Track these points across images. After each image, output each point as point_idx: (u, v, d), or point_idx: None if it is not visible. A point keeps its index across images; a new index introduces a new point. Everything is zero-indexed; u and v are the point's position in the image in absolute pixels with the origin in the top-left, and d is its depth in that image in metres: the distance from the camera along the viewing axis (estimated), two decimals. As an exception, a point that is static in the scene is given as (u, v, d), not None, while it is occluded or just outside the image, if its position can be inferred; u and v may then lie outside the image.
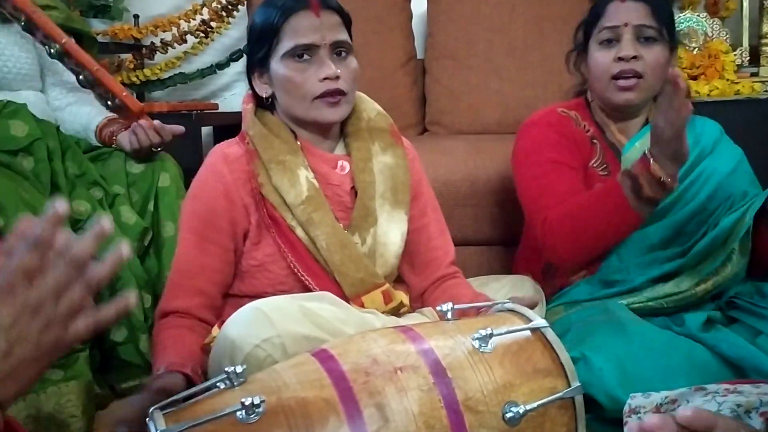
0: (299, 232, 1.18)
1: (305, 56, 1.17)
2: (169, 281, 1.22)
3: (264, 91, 1.22)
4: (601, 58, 1.38)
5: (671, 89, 1.12)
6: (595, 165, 1.40)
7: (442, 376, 0.83)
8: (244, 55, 2.63)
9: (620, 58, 1.34)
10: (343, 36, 1.20)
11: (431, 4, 2.49)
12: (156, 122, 1.57)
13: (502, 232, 1.86)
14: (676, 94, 1.12)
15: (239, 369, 0.82)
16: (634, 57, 1.34)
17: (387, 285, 1.21)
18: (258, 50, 1.20)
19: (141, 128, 1.55)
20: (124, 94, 1.58)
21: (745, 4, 2.28)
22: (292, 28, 1.16)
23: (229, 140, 1.27)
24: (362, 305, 1.19)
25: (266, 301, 1.04)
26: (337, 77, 1.17)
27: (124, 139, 1.58)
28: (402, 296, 1.25)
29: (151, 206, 1.60)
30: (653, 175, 1.19)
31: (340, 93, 1.19)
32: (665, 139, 1.16)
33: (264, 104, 1.26)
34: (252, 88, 1.26)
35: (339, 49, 1.19)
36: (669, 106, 1.13)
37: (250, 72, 1.24)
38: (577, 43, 1.47)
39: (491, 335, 0.87)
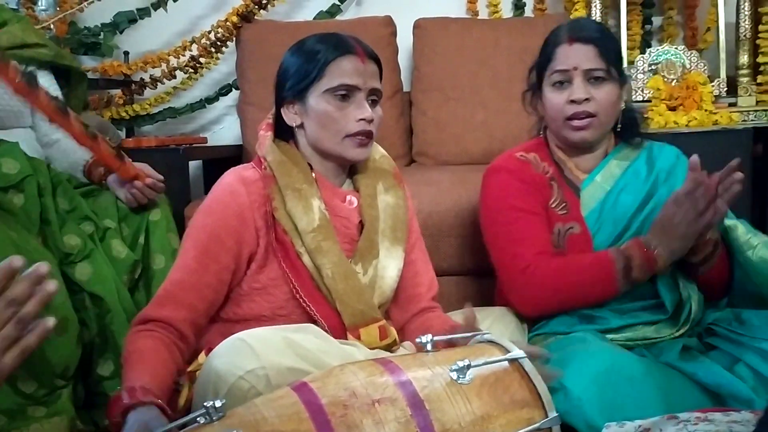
0: (305, 259, 1.21)
1: (346, 96, 1.23)
2: (162, 289, 1.22)
3: (293, 121, 1.28)
4: (554, 99, 1.42)
5: (696, 188, 1.22)
6: (553, 205, 1.44)
7: (419, 408, 0.84)
8: (234, 90, 2.70)
9: (572, 101, 1.39)
10: (379, 85, 1.28)
11: (417, 39, 2.54)
12: (149, 180, 1.59)
13: (487, 263, 1.86)
14: (703, 194, 1.22)
15: (218, 403, 0.83)
16: (586, 99, 1.38)
17: (384, 321, 1.24)
18: (296, 82, 1.25)
19: (137, 189, 1.58)
20: (119, 166, 1.58)
21: (722, 36, 2.33)
22: (339, 68, 1.23)
23: (245, 165, 1.31)
24: (359, 337, 1.21)
25: (250, 332, 1.06)
26: (371, 120, 1.24)
27: (116, 183, 1.61)
28: (395, 333, 1.27)
29: (141, 240, 1.62)
30: (647, 259, 1.27)
31: (370, 135, 1.26)
32: (673, 232, 1.25)
33: (282, 134, 1.30)
34: (276, 116, 1.30)
35: (373, 97, 1.27)
36: (689, 204, 1.22)
37: (280, 101, 1.29)
38: (530, 83, 1.51)
39: (469, 366, 0.88)
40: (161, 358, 1.12)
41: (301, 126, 1.28)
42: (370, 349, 1.20)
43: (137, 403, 1.00)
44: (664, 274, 1.32)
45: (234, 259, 1.22)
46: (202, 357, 1.16)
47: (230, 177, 1.26)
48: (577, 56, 1.39)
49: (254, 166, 1.29)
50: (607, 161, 1.46)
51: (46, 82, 1.74)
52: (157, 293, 1.22)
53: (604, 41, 1.41)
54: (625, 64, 2.29)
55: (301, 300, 1.21)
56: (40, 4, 2.54)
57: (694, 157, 1.25)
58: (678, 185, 1.40)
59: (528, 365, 0.92)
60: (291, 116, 1.28)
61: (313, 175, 1.27)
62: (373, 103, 1.27)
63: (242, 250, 1.22)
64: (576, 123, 1.40)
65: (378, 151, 1.38)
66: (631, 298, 1.37)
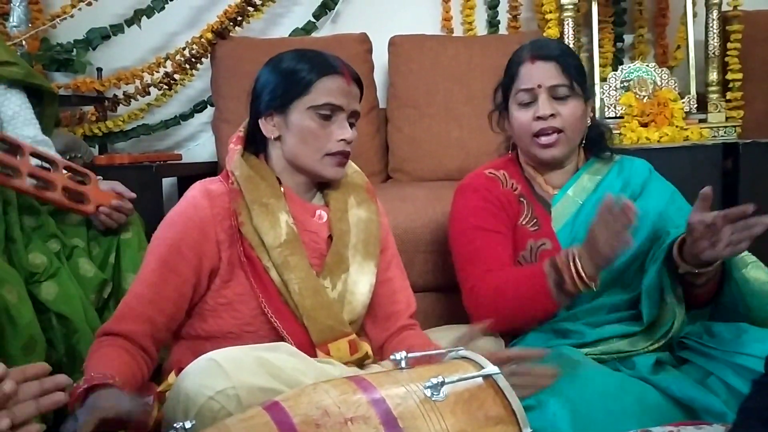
0: (273, 274, 1.20)
1: (329, 115, 1.24)
2: (122, 303, 1.20)
3: (271, 133, 1.27)
4: (521, 118, 1.43)
5: (612, 215, 1.20)
6: (524, 222, 1.45)
7: (393, 426, 0.82)
8: (209, 106, 2.69)
9: (539, 117, 1.40)
10: (359, 108, 1.30)
11: (392, 56, 2.56)
12: (114, 202, 1.57)
13: (464, 278, 1.88)
14: (617, 220, 1.19)
15: (188, 424, 0.81)
16: (552, 115, 1.40)
17: (354, 335, 1.23)
18: (279, 95, 1.24)
19: (104, 215, 1.56)
20: (75, 209, 1.55)
21: (692, 54, 2.38)
22: (326, 87, 1.24)
23: (212, 178, 1.30)
24: (328, 353, 1.20)
25: (221, 351, 1.03)
26: (351, 141, 1.26)
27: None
28: (367, 348, 1.27)
29: (112, 259, 1.59)
30: (577, 274, 1.26)
31: (347, 156, 1.27)
32: (597, 248, 1.23)
33: (253, 148, 1.30)
34: (250, 128, 1.30)
35: (352, 119, 1.28)
36: (613, 221, 1.20)
37: (257, 113, 1.28)
38: (497, 103, 1.53)
39: (443, 383, 0.87)
40: (124, 361, 1.10)
41: (278, 138, 1.27)
42: (343, 364, 1.19)
43: (98, 384, 0.98)
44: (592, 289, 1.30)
45: (194, 271, 1.20)
46: (172, 377, 1.14)
47: (195, 190, 1.26)
48: (540, 74, 1.41)
49: (221, 180, 1.28)
50: (578, 176, 1.47)
51: (18, 100, 1.72)
52: (118, 307, 1.20)
53: (565, 58, 1.43)
54: (597, 81, 2.34)
55: (268, 315, 1.20)
56: (11, 20, 2.51)
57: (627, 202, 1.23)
58: (652, 200, 1.43)
59: (502, 381, 0.91)
60: (269, 128, 1.27)
61: (282, 189, 1.27)
62: (351, 125, 1.28)
63: (203, 264, 1.21)
64: (544, 140, 1.42)
65: (350, 166, 1.37)
66: (606, 310, 1.38)
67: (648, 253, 1.37)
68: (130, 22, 2.58)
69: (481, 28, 2.80)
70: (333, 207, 1.30)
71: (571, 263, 1.26)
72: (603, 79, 2.39)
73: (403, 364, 0.95)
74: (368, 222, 1.32)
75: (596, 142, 1.49)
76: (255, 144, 1.30)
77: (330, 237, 1.28)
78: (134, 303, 1.19)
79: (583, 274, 1.25)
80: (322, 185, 1.33)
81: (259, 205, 1.22)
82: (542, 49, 1.44)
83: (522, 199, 1.46)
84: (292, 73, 1.24)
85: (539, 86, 1.41)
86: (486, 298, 1.35)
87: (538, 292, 1.30)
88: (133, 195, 1.61)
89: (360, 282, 1.27)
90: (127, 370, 1.09)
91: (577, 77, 1.43)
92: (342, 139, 1.24)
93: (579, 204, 1.44)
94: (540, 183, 1.49)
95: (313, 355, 1.18)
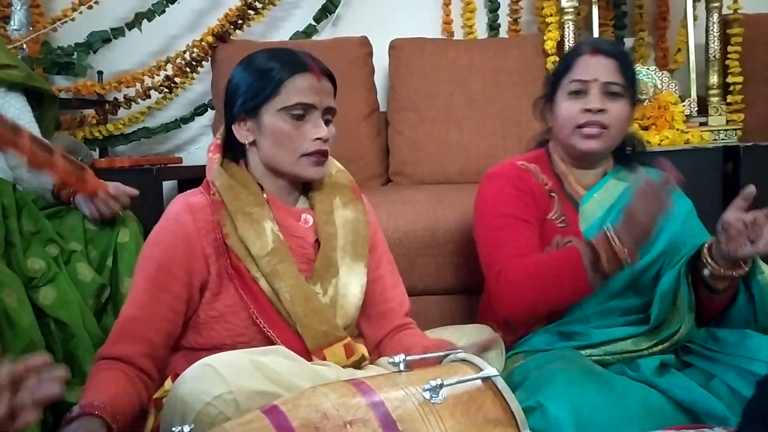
0: (262, 283, 1.19)
1: (302, 114, 1.21)
2: (116, 326, 1.19)
3: (245, 138, 1.24)
4: (568, 107, 1.42)
5: (660, 183, 1.19)
6: (553, 217, 1.43)
7: (392, 428, 0.82)
8: (209, 109, 2.69)
9: (587, 110, 1.39)
10: (334, 103, 1.26)
11: (393, 59, 2.56)
12: (111, 189, 1.55)
13: (464, 281, 1.88)
14: (665, 188, 1.19)
15: (187, 428, 0.81)
16: (600, 110, 1.39)
17: (349, 339, 1.22)
18: (249, 99, 1.22)
19: (100, 200, 1.54)
20: (74, 182, 1.52)
21: (692, 57, 2.38)
22: (296, 86, 1.20)
23: (193, 190, 1.28)
24: (324, 358, 1.19)
25: (217, 356, 1.03)
26: (327, 139, 1.22)
27: (84, 203, 1.57)
28: (363, 350, 1.25)
29: (109, 262, 1.58)
30: (614, 252, 1.24)
31: (326, 154, 1.24)
32: (637, 224, 1.22)
33: (232, 154, 1.28)
34: (226, 134, 1.27)
35: (328, 116, 1.25)
36: (652, 197, 1.19)
37: (230, 118, 1.26)
38: (545, 92, 1.51)
39: (442, 385, 0.87)
40: (120, 384, 1.10)
41: (254, 143, 1.25)
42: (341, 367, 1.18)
43: (82, 413, 0.98)
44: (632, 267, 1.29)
45: (185, 288, 1.19)
46: (168, 383, 1.13)
47: (176, 206, 1.24)
48: (598, 68, 1.40)
49: (202, 192, 1.25)
50: (606, 180, 1.47)
51: (18, 103, 1.71)
52: (113, 329, 1.19)
53: (625, 58, 1.44)
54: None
55: (261, 326, 1.18)
56: (12, 23, 2.52)
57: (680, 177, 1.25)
58: (674, 212, 1.41)
59: (501, 383, 0.91)
60: (243, 133, 1.24)
61: (265, 196, 1.25)
62: (327, 122, 1.25)
63: (193, 279, 1.19)
64: (587, 131, 1.40)
65: (334, 166, 1.35)
66: (618, 313, 1.37)
67: (665, 259, 1.36)
68: (130, 26, 2.58)
69: (481, 32, 2.80)
70: (318, 210, 1.28)
71: (611, 238, 1.24)
72: (603, 83, 2.38)
73: (401, 366, 0.95)
74: (355, 222, 1.30)
75: (625, 151, 1.49)
76: (233, 151, 1.28)
77: (317, 241, 1.26)
78: (128, 325, 1.17)
79: (619, 251, 1.23)
80: (306, 187, 1.31)
81: (243, 215, 1.20)
82: (604, 45, 1.46)
83: (553, 194, 1.44)
84: (260, 76, 1.21)
85: (595, 80, 1.39)
86: (516, 281, 1.31)
87: (572, 271, 1.28)
88: (136, 192, 1.60)
89: (351, 284, 1.25)
90: (123, 393, 1.08)
91: (631, 79, 1.44)
92: (317, 138, 1.21)
93: (605, 208, 1.43)
94: (571, 181, 1.47)
95: (309, 361, 1.17)
